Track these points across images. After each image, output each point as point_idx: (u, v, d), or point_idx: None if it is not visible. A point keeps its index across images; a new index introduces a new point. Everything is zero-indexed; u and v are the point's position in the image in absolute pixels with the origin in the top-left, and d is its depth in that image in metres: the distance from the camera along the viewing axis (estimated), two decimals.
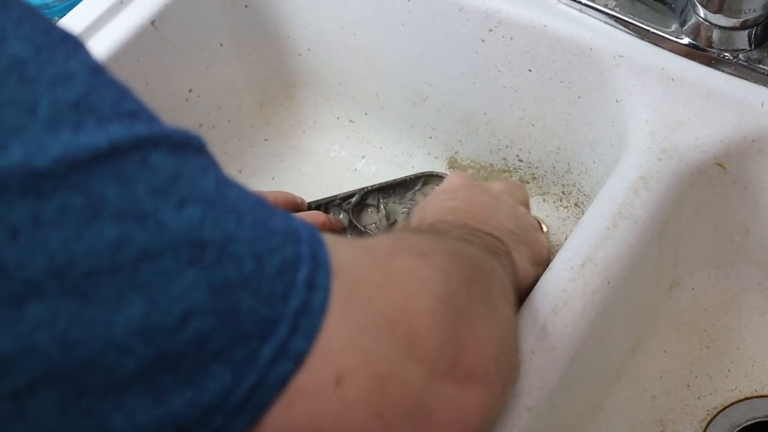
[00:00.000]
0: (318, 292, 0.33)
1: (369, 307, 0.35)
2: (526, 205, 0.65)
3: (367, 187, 0.77)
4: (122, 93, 0.32)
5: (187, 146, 0.33)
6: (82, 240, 0.28)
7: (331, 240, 0.36)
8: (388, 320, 0.36)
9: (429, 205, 0.59)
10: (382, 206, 0.77)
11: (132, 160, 0.30)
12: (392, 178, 0.78)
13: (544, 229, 0.64)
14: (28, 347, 0.28)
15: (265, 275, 0.32)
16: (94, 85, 0.31)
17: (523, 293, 0.56)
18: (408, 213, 0.76)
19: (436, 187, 0.64)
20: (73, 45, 0.32)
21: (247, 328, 0.32)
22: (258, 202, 0.35)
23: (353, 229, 0.75)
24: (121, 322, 0.29)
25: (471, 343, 0.39)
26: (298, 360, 0.32)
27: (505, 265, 0.51)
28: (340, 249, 0.36)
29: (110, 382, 0.30)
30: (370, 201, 0.77)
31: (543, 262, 0.59)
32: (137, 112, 0.32)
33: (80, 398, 0.29)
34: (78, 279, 0.28)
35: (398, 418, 0.35)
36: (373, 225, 0.76)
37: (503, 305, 0.44)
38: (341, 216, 0.75)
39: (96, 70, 0.32)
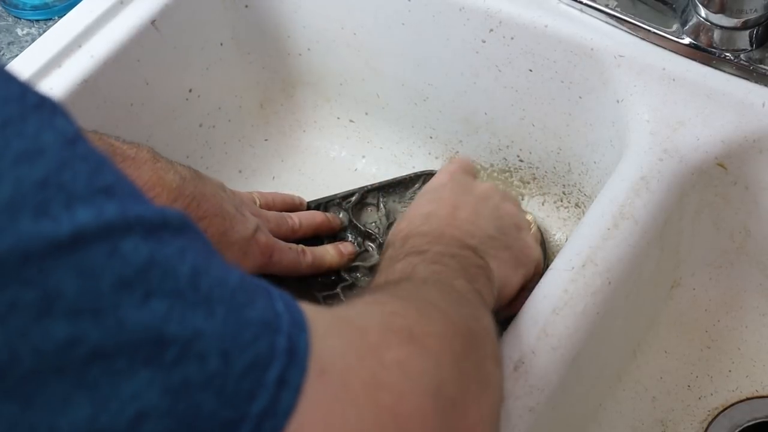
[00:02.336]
0: (288, 391, 0.31)
1: (356, 411, 0.33)
2: (515, 202, 0.63)
3: (366, 186, 0.77)
4: (99, 165, 0.30)
5: (166, 227, 0.30)
6: (29, 338, 0.26)
7: (320, 325, 0.34)
8: (377, 426, 0.34)
9: (409, 211, 0.58)
10: (381, 205, 0.77)
11: (99, 250, 0.28)
12: (392, 177, 0.78)
13: (533, 228, 0.63)
14: None
15: (231, 374, 0.30)
16: (67, 159, 0.28)
17: (505, 301, 0.56)
18: None
19: (429, 184, 0.63)
20: (50, 112, 0.29)
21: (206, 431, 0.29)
22: (238, 286, 0.32)
23: (353, 228, 0.75)
24: (65, 426, 0.27)
25: (466, 430, 0.38)
26: None
27: (483, 285, 0.51)
28: (329, 338, 0.34)
29: None
30: (369, 200, 0.77)
31: (528, 263, 0.58)
32: (112, 187, 0.29)
33: None
34: (20, 379, 0.26)
35: None
36: (373, 224, 0.76)
37: (494, 370, 0.43)
38: (341, 215, 0.75)
39: (72, 140, 0.29)
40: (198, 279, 0.30)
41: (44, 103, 0.29)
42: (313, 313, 0.35)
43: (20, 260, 0.26)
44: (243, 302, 0.32)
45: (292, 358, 0.32)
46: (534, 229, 0.64)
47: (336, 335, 0.35)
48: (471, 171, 0.64)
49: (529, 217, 0.64)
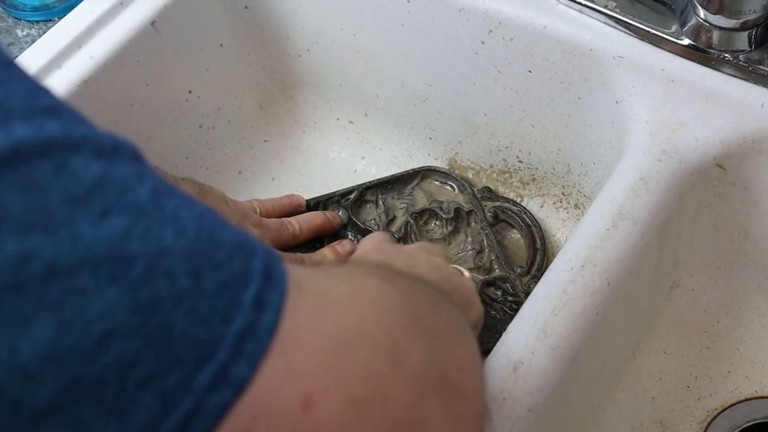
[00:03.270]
0: (267, 312, 0.30)
1: (341, 321, 0.32)
2: (444, 258, 0.61)
3: (365, 184, 0.77)
4: (38, 88, 0.29)
5: (118, 152, 0.29)
6: None
7: (291, 265, 0.33)
8: (365, 336, 0.32)
9: (356, 259, 0.58)
10: (380, 202, 0.77)
11: (43, 166, 0.27)
12: (390, 173, 0.78)
13: (466, 274, 0.62)
14: None
15: (203, 293, 0.29)
16: (2, 79, 0.27)
17: None
18: (407, 208, 0.76)
19: (360, 246, 0.61)
20: None
21: (179, 352, 0.28)
22: (205, 211, 0.31)
23: (353, 225, 0.75)
24: (27, 346, 0.26)
25: (454, 362, 0.36)
26: (240, 386, 0.29)
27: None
28: (301, 271, 0.33)
29: (20, 414, 0.26)
30: (368, 197, 0.77)
31: (473, 306, 0.55)
32: (54, 108, 0.28)
33: None
34: None
35: None
36: (372, 221, 0.76)
37: (470, 332, 0.41)
38: (340, 212, 0.75)
39: (7, 64, 0.28)
40: (161, 199, 0.29)
41: None
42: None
43: None
44: (213, 224, 0.31)
45: (270, 279, 0.31)
46: (468, 275, 0.62)
47: (309, 271, 0.34)
48: (390, 240, 0.63)
49: (459, 267, 0.63)
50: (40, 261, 0.26)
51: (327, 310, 0.32)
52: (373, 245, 0.60)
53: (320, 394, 0.30)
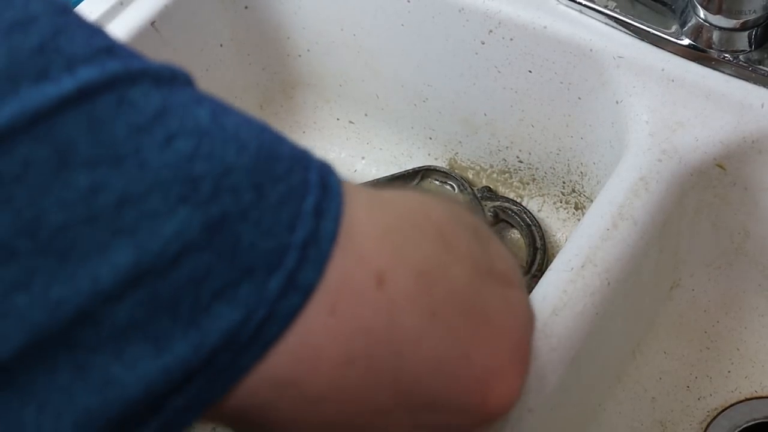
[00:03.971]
0: (327, 221, 0.31)
1: (394, 211, 0.34)
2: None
3: (365, 183, 0.77)
4: (95, 30, 0.30)
5: (175, 79, 0.31)
6: (51, 192, 0.26)
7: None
8: (415, 224, 0.34)
9: None
10: None
11: (106, 101, 0.28)
12: (391, 173, 0.78)
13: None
14: (6, 313, 0.26)
15: (267, 205, 0.30)
16: (61, 25, 0.28)
17: None
18: None
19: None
20: None
21: (250, 263, 0.30)
22: (264, 126, 0.33)
23: None
24: (108, 272, 0.27)
25: (497, 254, 0.38)
26: (308, 291, 0.31)
27: None
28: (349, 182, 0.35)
29: (103, 334, 0.28)
30: None
31: None
32: (112, 48, 0.29)
33: (71, 355, 0.28)
34: (52, 234, 0.27)
35: (454, 316, 0.34)
36: None
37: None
38: None
39: (63, 9, 0.29)
40: (221, 118, 0.31)
41: None
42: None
43: (28, 122, 0.26)
44: (271, 139, 0.32)
45: (326, 190, 0.32)
46: None
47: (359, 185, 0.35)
48: None
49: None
50: (110, 191, 0.27)
51: (379, 205, 0.34)
52: None
53: (390, 271, 0.32)
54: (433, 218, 0.36)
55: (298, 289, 0.30)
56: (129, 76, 0.29)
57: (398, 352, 0.32)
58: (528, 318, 0.38)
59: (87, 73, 0.28)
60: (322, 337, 0.31)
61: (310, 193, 0.31)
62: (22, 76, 0.26)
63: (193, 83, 0.32)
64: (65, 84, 0.27)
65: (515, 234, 0.76)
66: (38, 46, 0.27)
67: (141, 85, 0.29)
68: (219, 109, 0.31)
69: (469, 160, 0.80)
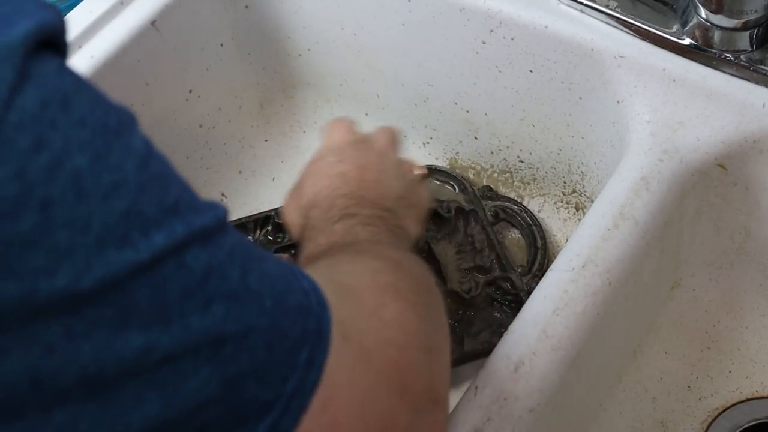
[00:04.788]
0: (314, 370, 0.35)
1: (372, 369, 0.37)
2: (398, 145, 0.65)
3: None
4: (166, 180, 0.32)
5: (218, 231, 0.33)
6: (111, 349, 0.29)
7: (330, 294, 0.37)
8: (386, 379, 0.38)
9: (319, 170, 0.59)
10: None
11: (169, 265, 0.31)
12: None
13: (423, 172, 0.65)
14: None
15: (274, 361, 0.33)
16: (143, 183, 0.31)
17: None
18: None
19: (323, 142, 0.63)
20: (128, 132, 0.32)
21: (246, 412, 0.33)
22: (276, 274, 0.35)
23: None
24: (138, 420, 0.30)
25: (439, 373, 0.42)
26: None
27: (405, 244, 0.54)
28: (343, 305, 0.38)
29: None
30: None
31: (425, 214, 0.62)
32: (178, 203, 0.32)
33: None
34: (103, 385, 0.30)
35: None
36: None
37: (445, 320, 0.46)
38: None
39: (146, 159, 0.32)
40: (247, 277, 0.33)
41: (123, 124, 0.31)
42: (320, 281, 0.38)
43: (109, 286, 0.29)
44: (282, 291, 0.35)
45: (320, 338, 0.35)
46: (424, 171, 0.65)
47: (344, 301, 0.38)
48: (355, 126, 0.65)
49: (417, 164, 0.65)
50: (158, 351, 0.30)
51: (360, 361, 0.37)
52: (336, 151, 0.60)
53: None
54: (402, 366, 0.39)
55: None
56: (189, 239, 0.32)
57: None
58: None
59: (161, 240, 0.30)
60: None
61: (306, 343, 0.35)
62: (110, 242, 0.29)
63: (228, 222, 0.35)
64: (142, 252, 0.30)
65: (516, 234, 0.76)
66: (125, 210, 0.30)
67: (194, 247, 0.32)
68: (246, 262, 0.34)
69: (469, 159, 0.80)
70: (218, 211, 0.34)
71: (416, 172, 0.63)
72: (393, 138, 0.64)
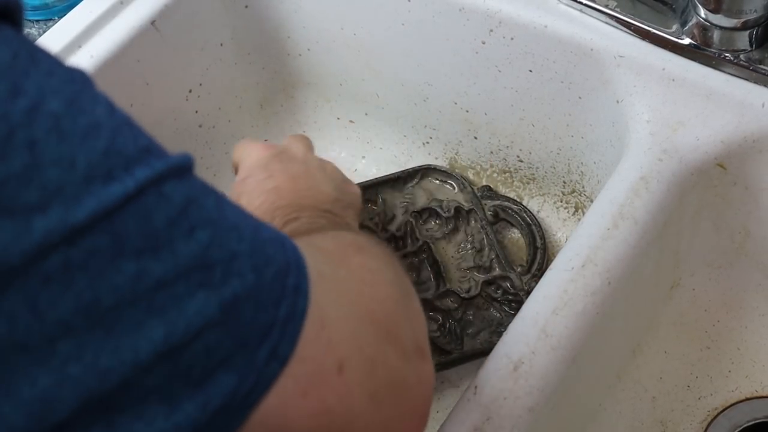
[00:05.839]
0: (301, 297, 0.36)
1: (352, 300, 0.40)
2: (313, 151, 0.67)
3: (365, 182, 0.77)
4: (133, 127, 0.34)
5: (189, 170, 0.35)
6: (106, 278, 0.31)
7: (300, 243, 0.39)
8: (368, 311, 0.40)
9: (251, 188, 0.60)
10: (380, 201, 0.77)
11: (151, 195, 0.32)
12: (391, 172, 0.78)
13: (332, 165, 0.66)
14: (62, 380, 0.30)
15: (264, 285, 0.35)
16: (115, 127, 0.33)
17: None
18: (406, 207, 0.76)
19: (243, 162, 0.64)
20: (91, 85, 0.34)
21: (247, 335, 0.34)
22: (247, 213, 0.37)
23: None
24: (144, 345, 0.32)
25: (417, 320, 0.44)
26: (285, 361, 0.35)
27: None
28: (312, 254, 0.39)
29: (132, 397, 0.32)
30: (368, 196, 0.76)
31: (359, 212, 0.64)
32: (150, 145, 0.34)
33: (106, 415, 0.32)
34: (102, 314, 0.31)
35: (386, 396, 0.39)
36: (371, 220, 0.76)
37: (408, 278, 0.49)
38: None
39: (111, 107, 0.34)
40: (222, 209, 0.35)
41: (84, 77, 0.34)
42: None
43: (101, 218, 0.31)
44: (255, 225, 0.37)
45: (300, 267, 0.37)
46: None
47: (312, 252, 0.40)
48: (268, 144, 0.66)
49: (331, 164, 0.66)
50: (150, 277, 0.32)
51: (343, 294, 0.40)
52: (261, 168, 0.61)
53: (348, 359, 0.37)
54: (383, 308, 0.41)
55: (278, 359, 0.35)
56: (165, 173, 0.33)
57: (345, 428, 0.38)
58: (432, 386, 0.44)
59: (142, 173, 0.32)
60: (295, 415, 0.36)
61: (290, 270, 0.36)
62: (95, 177, 0.31)
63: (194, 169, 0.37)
64: (128, 184, 0.32)
65: (515, 233, 0.76)
66: (104, 149, 0.32)
67: (171, 180, 0.33)
68: (219, 198, 0.36)
69: (469, 159, 0.80)
70: (187, 155, 0.35)
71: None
72: (307, 143, 0.66)
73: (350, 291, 0.41)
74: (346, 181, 0.65)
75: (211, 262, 0.34)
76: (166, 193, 0.33)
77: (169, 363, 0.33)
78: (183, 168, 0.35)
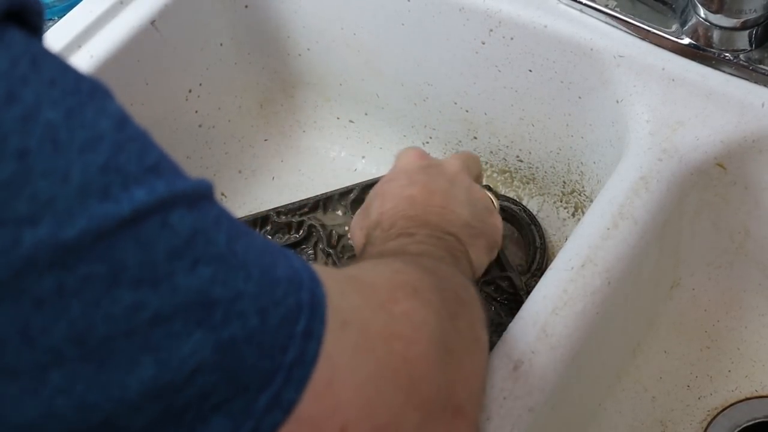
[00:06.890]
0: (312, 342, 0.35)
1: (374, 358, 0.37)
2: (480, 177, 0.65)
3: (365, 182, 0.77)
4: (145, 145, 0.33)
5: (203, 198, 0.34)
6: (101, 307, 0.30)
7: (333, 282, 0.37)
8: (391, 370, 0.38)
9: (388, 191, 0.59)
10: None
11: (153, 223, 0.31)
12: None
13: (496, 204, 0.63)
14: (49, 413, 0.29)
15: (268, 329, 0.33)
16: (120, 142, 0.31)
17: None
18: None
19: (395, 165, 0.62)
20: (101, 97, 0.32)
21: (247, 381, 0.33)
22: (264, 248, 0.36)
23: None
24: (134, 383, 0.30)
25: (461, 379, 0.41)
26: (288, 409, 0.34)
27: (465, 268, 0.53)
28: (345, 293, 0.38)
29: None
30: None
31: (497, 246, 0.61)
32: (159, 165, 0.32)
33: None
34: (95, 344, 0.30)
35: None
36: None
37: (484, 335, 0.46)
38: (339, 212, 0.75)
39: (122, 121, 0.32)
40: (234, 244, 0.34)
41: (96, 89, 0.32)
42: (324, 272, 0.38)
43: (93, 239, 0.29)
44: (270, 263, 0.35)
45: (315, 310, 0.35)
46: (497, 206, 0.64)
47: (350, 291, 0.38)
48: (425, 159, 0.64)
49: (490, 194, 0.64)
50: (148, 310, 0.30)
51: (364, 347, 0.37)
52: (407, 175, 0.60)
53: (353, 424, 0.35)
54: (410, 359, 0.38)
55: (281, 407, 0.34)
56: (171, 199, 0.32)
57: None
58: None
59: (140, 196, 0.31)
60: None
61: (302, 313, 0.35)
62: (90, 193, 0.30)
63: (213, 193, 0.35)
64: (123, 205, 0.30)
65: (515, 233, 0.76)
66: (103, 164, 0.30)
67: (179, 208, 0.32)
68: (232, 231, 0.34)
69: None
70: (203, 181, 0.34)
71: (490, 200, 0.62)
72: (466, 164, 0.62)
73: (376, 346, 0.38)
74: (491, 211, 0.61)
75: (213, 300, 0.32)
76: (171, 222, 0.31)
77: (159, 403, 0.31)
78: (196, 195, 0.33)
